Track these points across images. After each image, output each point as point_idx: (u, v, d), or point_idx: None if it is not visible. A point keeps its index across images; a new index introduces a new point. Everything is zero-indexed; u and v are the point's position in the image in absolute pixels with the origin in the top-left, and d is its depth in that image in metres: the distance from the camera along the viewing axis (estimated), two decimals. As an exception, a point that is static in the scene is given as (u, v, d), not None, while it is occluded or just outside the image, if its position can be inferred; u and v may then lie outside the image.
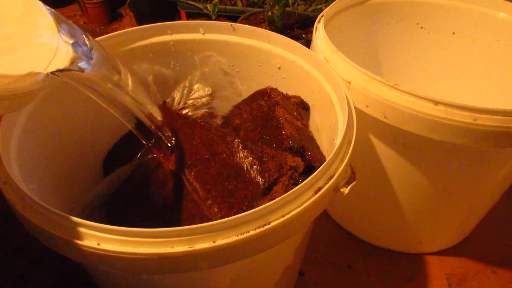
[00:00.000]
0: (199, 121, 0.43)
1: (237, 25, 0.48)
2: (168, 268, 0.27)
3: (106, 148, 0.51)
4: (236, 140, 0.39)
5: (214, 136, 0.40)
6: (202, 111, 0.49)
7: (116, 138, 0.50)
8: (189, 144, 0.41)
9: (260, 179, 0.35)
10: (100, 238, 0.26)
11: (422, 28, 0.63)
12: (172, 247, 0.26)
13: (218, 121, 0.47)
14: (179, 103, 0.52)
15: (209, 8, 0.97)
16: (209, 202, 0.36)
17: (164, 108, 0.47)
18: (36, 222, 0.28)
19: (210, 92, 0.56)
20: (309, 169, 0.40)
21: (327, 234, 0.61)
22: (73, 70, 0.28)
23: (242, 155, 0.38)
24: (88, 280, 0.51)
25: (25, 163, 0.37)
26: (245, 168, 0.37)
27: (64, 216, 0.27)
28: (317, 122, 0.47)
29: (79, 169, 0.49)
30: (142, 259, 0.26)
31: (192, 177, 0.38)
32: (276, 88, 0.48)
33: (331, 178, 0.31)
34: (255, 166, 0.36)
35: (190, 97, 0.57)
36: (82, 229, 0.27)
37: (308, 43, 0.51)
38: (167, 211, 0.39)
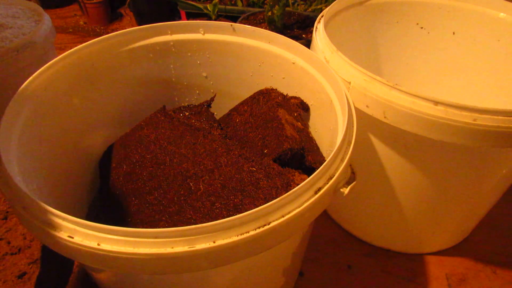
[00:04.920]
0: (201, 130, 0.42)
1: (237, 25, 0.48)
2: (168, 268, 0.27)
3: (102, 149, 0.51)
4: (242, 152, 0.39)
5: (219, 147, 0.40)
6: (202, 115, 0.48)
7: (111, 140, 0.50)
8: (191, 153, 0.41)
9: (267, 195, 0.35)
10: (100, 238, 0.26)
11: (422, 28, 0.63)
12: (172, 247, 0.26)
13: (219, 127, 0.47)
14: (179, 106, 0.52)
15: (209, 8, 0.97)
16: (213, 214, 0.36)
17: (164, 113, 0.46)
18: (36, 222, 0.28)
19: (210, 93, 0.56)
20: (309, 170, 0.40)
21: (327, 234, 0.61)
22: None
23: (247, 169, 0.37)
24: (88, 280, 0.51)
25: (25, 163, 0.37)
26: (251, 182, 0.36)
27: (64, 216, 0.27)
28: (317, 123, 0.47)
29: (77, 169, 0.49)
30: (142, 259, 0.26)
31: (196, 187, 0.38)
32: (276, 89, 0.48)
33: (331, 178, 0.31)
34: (261, 182, 0.36)
35: (191, 99, 0.57)
36: (82, 229, 0.27)
37: (308, 43, 0.51)
38: (168, 220, 0.38)
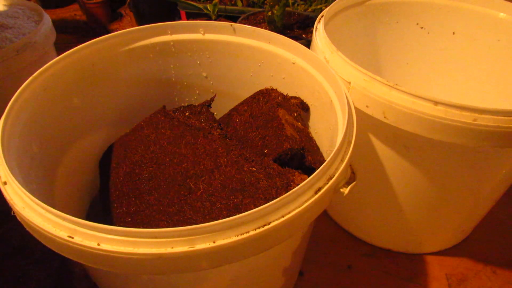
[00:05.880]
0: (201, 130, 0.42)
1: (237, 25, 0.48)
2: (168, 268, 0.27)
3: (102, 149, 0.51)
4: (242, 152, 0.39)
5: (219, 148, 0.40)
6: (202, 115, 0.48)
7: (111, 140, 0.50)
8: (191, 153, 0.41)
9: (267, 195, 0.35)
10: (100, 238, 0.26)
11: (422, 28, 0.63)
12: (172, 247, 0.26)
13: (219, 127, 0.47)
14: (179, 106, 0.52)
15: (209, 8, 0.97)
16: (213, 214, 0.36)
17: (164, 113, 0.46)
18: (36, 222, 0.28)
19: (210, 93, 0.56)
20: (309, 170, 0.40)
21: (327, 234, 0.61)
22: None
23: (247, 169, 0.37)
24: (88, 280, 0.51)
25: (25, 163, 0.37)
26: (251, 182, 0.36)
27: (64, 216, 0.27)
28: (317, 123, 0.47)
29: (77, 169, 0.49)
30: (142, 259, 0.26)
31: (196, 187, 0.38)
32: (276, 89, 0.48)
33: (331, 178, 0.31)
34: (261, 182, 0.36)
35: (190, 99, 0.57)
36: (82, 229, 0.27)
37: (308, 43, 0.51)
38: (168, 220, 0.38)
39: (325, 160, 0.31)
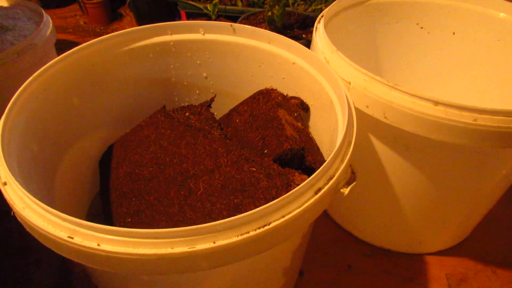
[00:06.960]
0: (201, 130, 0.42)
1: (237, 25, 0.48)
2: (168, 269, 0.27)
3: (102, 149, 0.51)
4: (242, 153, 0.39)
5: (219, 148, 0.40)
6: (202, 115, 0.48)
7: (111, 140, 0.50)
8: (192, 153, 0.41)
9: (267, 195, 0.35)
10: (100, 239, 0.26)
11: (422, 28, 0.63)
12: (172, 248, 0.26)
13: (219, 127, 0.47)
14: (179, 106, 0.52)
15: (209, 8, 0.97)
16: (214, 215, 0.36)
17: (164, 113, 0.46)
18: (36, 222, 0.28)
19: (210, 93, 0.56)
20: (309, 170, 0.40)
21: (327, 234, 0.61)
22: None
23: (247, 169, 0.37)
24: (88, 280, 0.51)
25: (25, 163, 0.37)
26: (251, 182, 0.36)
27: (64, 216, 0.27)
28: (317, 123, 0.47)
29: (77, 169, 0.49)
30: (142, 260, 0.26)
31: (196, 187, 0.38)
32: (276, 89, 0.48)
33: (331, 178, 0.31)
34: (261, 182, 0.36)
35: (191, 99, 0.57)
36: (82, 229, 0.27)
37: (308, 43, 0.51)
38: (168, 220, 0.38)
39: (325, 160, 0.31)
